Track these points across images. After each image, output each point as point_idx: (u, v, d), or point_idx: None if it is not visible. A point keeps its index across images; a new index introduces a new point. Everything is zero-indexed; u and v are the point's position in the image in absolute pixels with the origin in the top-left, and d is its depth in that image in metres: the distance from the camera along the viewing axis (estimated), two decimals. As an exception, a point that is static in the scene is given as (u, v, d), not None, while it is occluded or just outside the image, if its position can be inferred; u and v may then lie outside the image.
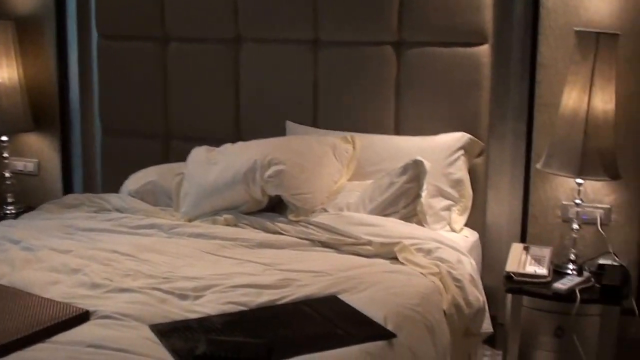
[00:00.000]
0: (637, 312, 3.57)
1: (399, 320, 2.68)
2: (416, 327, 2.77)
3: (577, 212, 3.64)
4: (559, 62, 3.78)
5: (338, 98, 4.18)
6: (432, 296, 3.02)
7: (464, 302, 3.16)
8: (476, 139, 3.89)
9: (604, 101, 3.44)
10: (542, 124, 3.86)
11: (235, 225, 3.65)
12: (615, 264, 3.63)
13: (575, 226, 3.63)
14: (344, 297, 2.83)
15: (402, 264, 3.20)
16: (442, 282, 3.12)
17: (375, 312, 2.68)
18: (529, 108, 3.92)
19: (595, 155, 3.43)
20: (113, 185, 4.34)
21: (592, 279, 3.51)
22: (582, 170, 3.43)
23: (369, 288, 2.92)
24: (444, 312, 3.04)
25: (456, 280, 3.18)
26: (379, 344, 2.51)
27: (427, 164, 3.57)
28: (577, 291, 3.38)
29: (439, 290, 3.08)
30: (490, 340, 4.04)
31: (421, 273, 3.13)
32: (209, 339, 2.42)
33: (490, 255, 4.11)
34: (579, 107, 3.44)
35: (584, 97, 3.43)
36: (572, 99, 3.46)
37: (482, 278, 3.82)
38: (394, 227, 3.46)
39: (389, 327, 2.60)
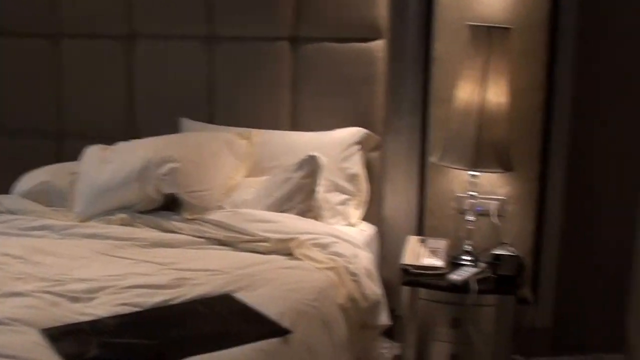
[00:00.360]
0: (531, 300, 3.63)
1: (295, 317, 2.68)
2: (312, 322, 2.77)
3: (472, 204, 3.69)
4: (453, 57, 3.81)
5: (234, 94, 4.17)
6: (329, 291, 3.03)
7: (361, 295, 3.18)
8: (372, 134, 3.92)
9: (497, 95, 3.49)
10: (437, 118, 3.90)
11: (130, 225, 3.60)
12: (510, 254, 3.69)
13: (470, 218, 3.69)
14: (239, 295, 2.82)
15: (298, 259, 3.20)
16: (338, 277, 3.13)
17: (270, 309, 2.67)
18: (424, 102, 3.97)
19: (489, 148, 3.48)
20: (4, 186, 4.21)
21: (488, 270, 3.57)
22: (476, 162, 3.48)
23: (265, 285, 2.91)
24: (341, 306, 3.05)
25: (352, 274, 3.19)
26: (274, 341, 2.50)
27: (323, 159, 3.59)
28: (472, 282, 3.43)
29: (335, 284, 3.09)
30: (389, 333, 4.05)
31: (317, 268, 3.14)
32: (101, 342, 2.39)
33: (387, 248, 4.14)
34: (472, 101, 3.48)
35: (477, 91, 3.47)
36: (465, 93, 3.50)
37: (380, 271, 3.85)
38: (291, 222, 3.46)
39: (285, 324, 2.60)
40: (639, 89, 3.94)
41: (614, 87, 3.97)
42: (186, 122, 4.22)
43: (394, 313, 3.82)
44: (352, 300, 3.12)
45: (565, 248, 4.05)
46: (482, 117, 3.46)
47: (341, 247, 3.33)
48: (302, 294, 2.86)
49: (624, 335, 4.05)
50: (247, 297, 2.78)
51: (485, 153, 3.47)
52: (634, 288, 3.97)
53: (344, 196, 3.83)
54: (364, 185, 3.88)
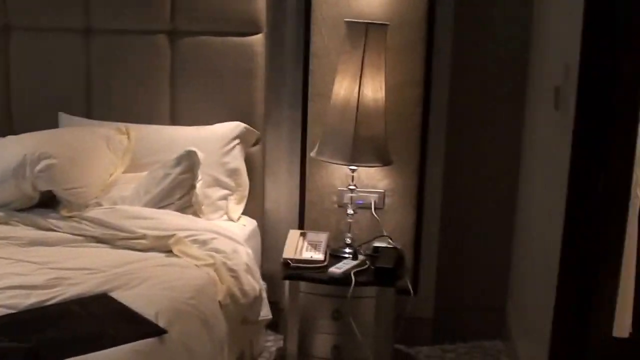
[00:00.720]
0: (412, 291, 3.69)
1: (171, 316, 2.66)
2: (190, 321, 2.77)
3: (352, 198, 3.73)
4: (331, 52, 3.86)
5: (112, 88, 4.10)
6: (207, 288, 3.02)
7: (240, 292, 3.18)
8: (252, 128, 3.92)
9: (374, 90, 3.53)
10: (315, 112, 3.94)
11: (6, 224, 3.49)
12: (389, 246, 3.75)
13: (350, 211, 3.72)
14: (116, 294, 2.78)
15: (177, 256, 3.18)
16: (217, 273, 3.12)
17: (147, 309, 2.65)
18: (305, 97, 3.98)
19: (366, 142, 3.53)
20: None
21: (367, 262, 3.61)
22: (354, 157, 3.52)
23: (142, 284, 2.89)
24: (220, 303, 3.05)
25: (231, 270, 3.20)
26: (150, 341, 2.48)
27: (201, 155, 3.57)
28: (352, 274, 3.47)
29: (214, 281, 3.09)
30: (274, 325, 4.12)
31: (196, 265, 3.13)
32: (-29, 346, 2.33)
33: (269, 243, 4.16)
34: (350, 96, 3.52)
35: (354, 86, 3.51)
36: (343, 88, 3.54)
37: (262, 265, 3.92)
38: (169, 219, 3.44)
39: (161, 324, 2.58)
40: (514, 83, 4.06)
41: (490, 80, 4.09)
42: (64, 117, 4.11)
43: (278, 306, 3.87)
44: (232, 296, 3.12)
45: (445, 239, 4.15)
46: (360, 112, 3.50)
47: (220, 243, 3.33)
48: (179, 292, 2.85)
49: (503, 324, 4.20)
50: (124, 297, 2.75)
51: (362, 148, 3.51)
52: (513, 278, 4.14)
53: (225, 191, 3.83)
54: (244, 179, 3.89)
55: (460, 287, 4.29)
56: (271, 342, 4.16)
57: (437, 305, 4.18)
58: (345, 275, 3.47)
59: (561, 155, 2.95)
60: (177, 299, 2.80)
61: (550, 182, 3.20)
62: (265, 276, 3.95)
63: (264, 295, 3.52)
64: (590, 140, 2.75)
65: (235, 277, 3.20)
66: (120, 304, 2.70)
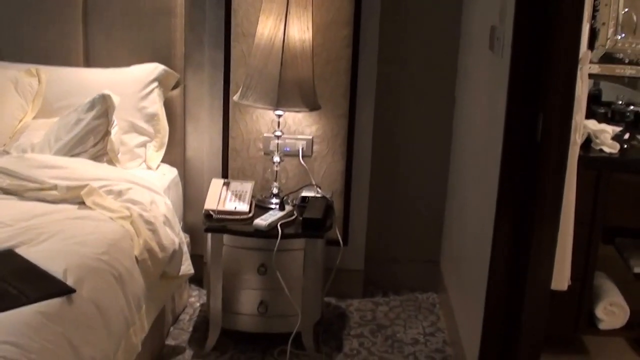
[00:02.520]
0: (341, 243, 3.63)
1: (82, 273, 2.56)
2: (102, 278, 2.67)
3: (278, 145, 3.65)
4: (255, -11, 3.74)
5: (20, 27, 3.92)
6: (122, 242, 2.92)
7: (158, 245, 3.09)
8: (171, 70, 3.80)
9: (301, 30, 3.43)
10: (239, 54, 3.83)
11: None
12: (318, 195, 3.67)
13: (276, 159, 3.64)
14: (22, 250, 2.67)
15: (90, 209, 3.08)
16: (133, 226, 3.03)
17: (55, 266, 2.53)
18: (226, 37, 3.86)
19: (293, 86, 3.43)
20: None
21: (295, 213, 3.54)
22: (280, 101, 3.42)
23: (51, 238, 2.77)
24: (136, 258, 2.97)
25: (148, 222, 3.10)
26: (57, 301, 2.38)
27: (116, 98, 3.45)
28: (278, 226, 3.39)
29: (130, 235, 2.99)
30: (199, 280, 4.06)
31: (110, 218, 3.02)
32: None
33: (192, 193, 4.09)
34: (275, 36, 3.41)
35: (280, 26, 3.39)
36: (267, 27, 3.43)
37: (184, 217, 3.85)
38: (82, 168, 3.31)
39: (69, 282, 2.48)
40: (448, 22, 3.99)
41: (423, 19, 4.00)
42: None
43: (202, 260, 3.81)
44: (149, 251, 3.03)
45: (376, 188, 4.09)
46: (285, 53, 3.40)
47: (137, 194, 3.22)
48: (91, 247, 2.74)
49: (437, 276, 4.19)
50: (30, 253, 2.63)
51: (289, 91, 3.42)
52: (447, 228, 4.11)
53: (143, 138, 3.73)
54: (163, 125, 3.79)
55: (392, 238, 4.26)
56: (195, 298, 4.10)
57: (368, 256, 4.15)
58: (272, 227, 3.39)
59: (497, 99, 2.89)
60: (89, 255, 2.69)
61: (486, 127, 3.14)
62: (187, 228, 3.96)
63: (185, 249, 3.44)
64: (528, 83, 2.68)
65: (153, 230, 3.10)
66: (26, 261, 2.58)
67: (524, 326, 2.83)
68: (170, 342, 3.65)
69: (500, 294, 2.89)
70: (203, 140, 4.07)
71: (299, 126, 3.88)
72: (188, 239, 3.87)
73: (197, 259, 3.84)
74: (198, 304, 4.03)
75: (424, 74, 4.05)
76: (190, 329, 3.79)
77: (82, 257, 2.66)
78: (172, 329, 3.76)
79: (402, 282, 4.27)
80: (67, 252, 2.66)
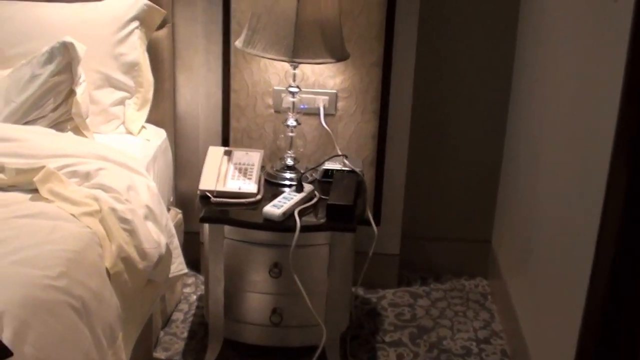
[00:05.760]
0: (374, 225, 3.03)
1: (26, 315, 1.89)
2: (56, 316, 2.01)
3: (294, 103, 3.06)
4: None
5: None
6: (87, 253, 2.26)
7: (137, 252, 2.44)
8: (155, 5, 3.25)
9: (322, -47, 2.84)
10: None
11: None
12: (345, 168, 3.08)
13: (291, 121, 3.06)
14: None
15: (47, 200, 2.44)
16: (103, 226, 2.39)
17: None
18: (226, -39, 3.31)
19: (314, 28, 2.84)
20: None
21: (316, 194, 2.94)
22: (297, 50, 2.82)
23: None
24: (107, 271, 2.32)
25: (124, 220, 2.46)
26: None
27: (81, 47, 2.89)
28: (296, 215, 2.79)
29: (99, 239, 2.34)
30: (195, 263, 3.54)
31: (72, 215, 2.38)
32: None
33: (184, 156, 3.64)
34: (289, -39, 2.82)
35: (294, -51, 2.81)
36: (279, -49, 2.83)
37: (176, 186, 3.48)
38: (39, 140, 2.70)
39: (6, 334, 1.80)
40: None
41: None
42: None
43: (199, 238, 3.37)
44: (125, 259, 2.38)
45: (415, 155, 3.55)
46: None
47: (110, 176, 2.60)
48: (42, 268, 2.07)
49: (488, 259, 3.71)
50: None
51: (308, 36, 2.83)
52: (503, 201, 3.59)
53: (120, 93, 3.18)
54: (147, 77, 3.23)
55: (433, 215, 3.75)
56: (191, 287, 3.53)
57: (404, 238, 3.61)
58: (287, 216, 2.78)
59: (605, 55, 2.23)
60: (38, 282, 2.03)
61: (582, 87, 2.49)
62: (179, 201, 3.55)
63: (176, 243, 2.85)
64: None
65: (130, 230, 2.46)
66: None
67: None
68: (159, 354, 3.07)
69: (605, 297, 2.22)
70: (198, 94, 3.53)
71: (319, 77, 3.30)
72: (180, 215, 3.37)
73: (192, 237, 3.40)
74: (194, 297, 3.45)
75: (478, 9, 3.46)
76: (185, 334, 3.21)
77: (29, 287, 1.99)
78: (162, 334, 3.18)
79: (444, 266, 3.75)
80: (7, 280, 1.99)
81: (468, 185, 3.67)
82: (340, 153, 3.17)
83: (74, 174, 2.57)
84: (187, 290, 3.48)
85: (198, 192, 2.91)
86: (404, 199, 3.52)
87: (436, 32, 3.46)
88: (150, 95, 3.23)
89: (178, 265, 2.84)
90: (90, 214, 2.39)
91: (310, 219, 2.81)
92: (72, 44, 2.84)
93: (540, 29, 3.08)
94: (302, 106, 3.19)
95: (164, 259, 2.62)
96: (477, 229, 3.71)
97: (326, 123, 3.27)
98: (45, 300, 2.00)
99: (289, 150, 3.09)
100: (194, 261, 3.48)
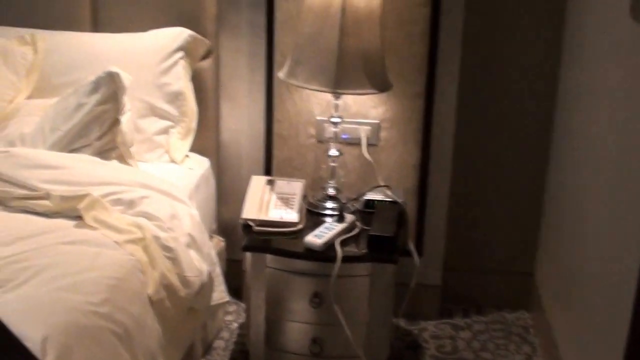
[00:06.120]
0: (416, 256, 3.02)
1: (69, 340, 1.93)
2: (98, 341, 2.06)
3: (336, 133, 3.07)
4: None
5: None
6: (130, 280, 2.31)
7: (179, 280, 2.50)
8: (200, 36, 3.31)
9: (367, -16, 2.85)
10: (285, 15, 3.25)
11: None
12: (387, 199, 3.08)
13: (333, 151, 3.07)
14: (-7, 296, 2.06)
15: (91, 227, 2.49)
16: (146, 254, 2.43)
17: (31, 330, 1.90)
18: (270, -8, 3.34)
19: (357, 59, 2.83)
20: None
21: (358, 224, 2.94)
22: (339, 81, 2.82)
23: (34, 278, 2.16)
24: (149, 298, 2.37)
25: (167, 248, 2.52)
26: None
27: (127, 77, 2.92)
28: (337, 245, 2.79)
29: (141, 267, 2.39)
30: (237, 290, 3.50)
31: (116, 242, 2.43)
32: None
33: (228, 184, 3.63)
34: (332, -7, 2.84)
35: (339, -21, 2.82)
36: (322, -19, 2.85)
37: (219, 214, 3.50)
38: (83, 168, 2.76)
39: (49, 357, 1.83)
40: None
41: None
42: None
43: (241, 267, 3.32)
44: (167, 287, 2.43)
45: (457, 185, 3.53)
46: (346, 16, 2.79)
47: (154, 204, 2.65)
48: (85, 294, 2.12)
49: (531, 291, 3.65)
50: (1, 305, 2.00)
51: (350, 67, 2.82)
52: (546, 233, 3.54)
53: (165, 122, 3.23)
54: (191, 106, 3.27)
55: (476, 247, 3.69)
56: (232, 316, 3.52)
57: (446, 269, 3.58)
58: (328, 246, 2.78)
59: None
60: (81, 308, 2.08)
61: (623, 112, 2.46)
62: (222, 229, 3.55)
63: (218, 271, 2.89)
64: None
65: (173, 258, 2.51)
66: (-7, 319, 1.93)
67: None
68: (199, 383, 3.08)
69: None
70: (241, 124, 3.55)
71: (361, 108, 3.29)
72: (223, 243, 3.41)
73: (235, 265, 3.39)
74: (236, 324, 3.44)
75: (522, 42, 3.44)
76: (227, 363, 3.21)
77: (72, 313, 2.03)
78: (202, 363, 3.19)
79: (486, 298, 3.70)
80: (52, 306, 2.04)
81: (511, 216, 3.63)
82: (382, 183, 3.16)
83: (117, 202, 2.61)
84: (229, 318, 3.48)
85: (241, 220, 2.92)
86: (446, 230, 3.50)
87: (478, 65, 3.44)
88: (194, 124, 3.27)
89: (220, 293, 2.89)
90: (133, 241, 2.44)
91: (352, 250, 2.81)
92: (117, 74, 2.87)
93: (583, 60, 3.07)
94: (344, 136, 3.19)
95: (206, 286, 2.65)
96: (520, 261, 3.66)
97: (368, 153, 3.25)
98: (88, 326, 2.04)
99: (331, 180, 3.09)
100: (237, 289, 3.47)
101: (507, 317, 3.60)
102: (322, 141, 3.29)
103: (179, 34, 3.23)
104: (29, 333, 1.88)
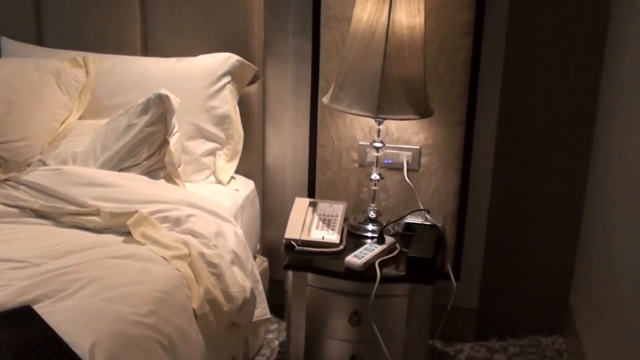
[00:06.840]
0: (453, 279, 3.04)
1: (116, 348, 2.00)
2: (144, 351, 2.10)
3: (378, 158, 3.10)
4: (352, -38, 3.19)
5: (67, 6, 3.53)
6: (176, 294, 2.37)
7: (223, 295, 2.55)
8: (247, 62, 3.34)
9: (410, 14, 2.86)
10: (330, 43, 3.28)
11: None
12: (426, 223, 3.11)
13: (375, 175, 3.10)
14: (43, 307, 2.13)
15: (139, 243, 2.56)
16: (192, 269, 2.49)
17: (80, 337, 1.97)
18: (315, 21, 3.34)
19: (399, 85, 2.86)
20: None
21: (397, 246, 2.98)
22: (382, 106, 2.85)
23: (83, 290, 2.23)
24: (194, 312, 2.42)
25: (212, 265, 2.57)
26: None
27: (175, 100, 2.98)
28: (376, 266, 2.82)
29: (187, 282, 2.44)
30: (279, 308, 3.51)
31: (163, 258, 2.49)
32: None
33: (272, 206, 3.69)
34: (376, 21, 2.84)
35: (383, 8, 2.83)
36: (367, 11, 2.86)
37: (263, 234, 3.53)
38: (132, 187, 2.84)
39: None
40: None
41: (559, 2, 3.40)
42: (7, 43, 3.56)
43: (282, 286, 3.27)
44: (211, 302, 2.48)
45: (496, 211, 3.53)
46: (390, 44, 2.82)
47: (200, 223, 2.71)
48: (133, 305, 2.18)
49: (566, 316, 3.65)
50: (53, 314, 2.08)
51: (393, 93, 2.85)
52: (582, 259, 3.53)
53: (212, 145, 3.27)
54: (237, 129, 3.31)
55: (512, 271, 3.69)
56: (274, 334, 3.57)
57: (483, 293, 3.59)
58: (368, 266, 2.82)
59: None
60: (128, 318, 2.13)
61: None
62: (265, 249, 3.60)
63: (260, 289, 2.93)
64: None
65: (217, 274, 2.56)
66: (44, 327, 2.02)
67: None
68: (240, 398, 3.11)
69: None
70: (286, 148, 3.60)
71: (403, 133, 3.32)
72: (266, 263, 3.47)
73: (277, 285, 3.36)
74: (277, 342, 3.50)
75: (562, 69, 3.45)
76: (266, 378, 3.25)
77: (119, 322, 2.09)
78: (243, 379, 3.21)
79: (521, 322, 3.71)
80: (100, 315, 2.10)
81: (547, 242, 3.63)
82: (422, 207, 3.20)
83: (165, 220, 2.68)
84: (270, 336, 3.53)
85: (283, 240, 2.97)
86: (483, 255, 3.51)
87: (520, 93, 3.46)
88: (240, 147, 3.30)
89: (262, 309, 2.92)
90: (180, 257, 2.49)
91: (391, 271, 2.84)
92: (167, 96, 2.93)
93: (628, 86, 3.10)
94: (386, 161, 3.23)
95: (249, 302, 2.70)
96: (556, 286, 3.66)
97: (409, 178, 3.28)
98: (135, 335, 2.09)
99: (372, 203, 3.12)
100: (279, 308, 3.48)
101: (542, 341, 3.61)
102: (364, 165, 3.31)
103: (227, 59, 3.28)
104: (78, 340, 1.95)
